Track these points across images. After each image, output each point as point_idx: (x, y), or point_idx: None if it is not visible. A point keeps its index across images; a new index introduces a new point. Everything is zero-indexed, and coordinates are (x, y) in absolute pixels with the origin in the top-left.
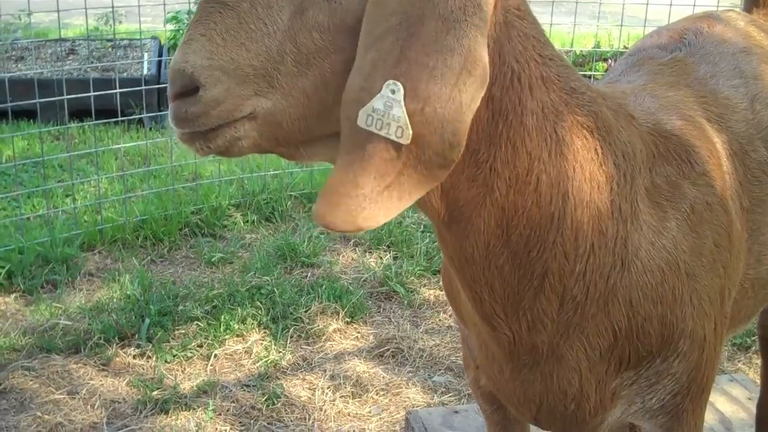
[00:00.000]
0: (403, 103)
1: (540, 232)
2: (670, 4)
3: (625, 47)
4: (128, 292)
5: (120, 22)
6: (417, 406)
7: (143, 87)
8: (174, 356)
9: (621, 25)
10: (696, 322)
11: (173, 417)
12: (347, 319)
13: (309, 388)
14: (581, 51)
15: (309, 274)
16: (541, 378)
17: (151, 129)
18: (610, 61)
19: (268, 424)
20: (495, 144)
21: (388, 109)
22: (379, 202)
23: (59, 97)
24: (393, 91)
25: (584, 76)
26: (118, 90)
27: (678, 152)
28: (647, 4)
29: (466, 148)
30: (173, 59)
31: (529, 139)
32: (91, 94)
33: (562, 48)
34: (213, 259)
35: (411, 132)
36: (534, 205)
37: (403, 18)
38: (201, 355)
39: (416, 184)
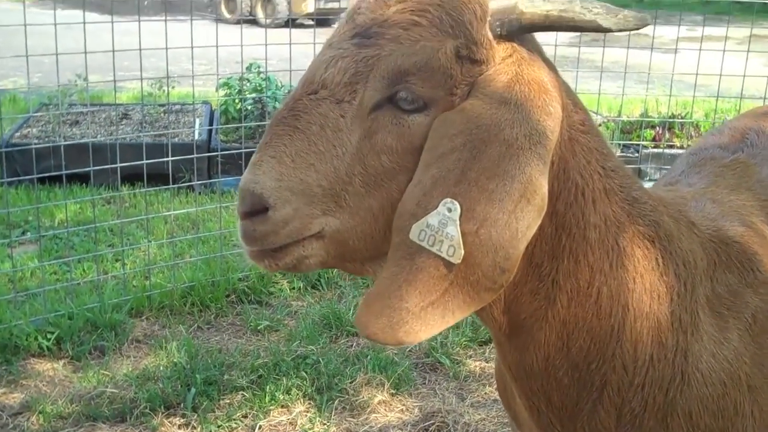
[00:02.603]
0: (458, 222)
1: (600, 344)
2: (720, 75)
3: (673, 115)
4: (175, 360)
5: (173, 87)
6: None
7: (195, 155)
8: (219, 426)
9: (670, 96)
10: None
11: None
12: (392, 391)
13: None
14: (628, 118)
15: (354, 343)
16: None
17: (200, 194)
18: (657, 128)
19: None
20: (558, 257)
21: (443, 227)
22: (422, 318)
23: (112, 165)
24: (449, 210)
25: (632, 144)
26: (170, 158)
27: (740, 260)
28: (696, 74)
29: (530, 261)
30: (243, 179)
31: (591, 252)
32: (144, 162)
33: (610, 114)
34: (259, 327)
35: (463, 252)
36: (594, 317)
37: (468, 139)
38: (246, 425)
39: (461, 303)
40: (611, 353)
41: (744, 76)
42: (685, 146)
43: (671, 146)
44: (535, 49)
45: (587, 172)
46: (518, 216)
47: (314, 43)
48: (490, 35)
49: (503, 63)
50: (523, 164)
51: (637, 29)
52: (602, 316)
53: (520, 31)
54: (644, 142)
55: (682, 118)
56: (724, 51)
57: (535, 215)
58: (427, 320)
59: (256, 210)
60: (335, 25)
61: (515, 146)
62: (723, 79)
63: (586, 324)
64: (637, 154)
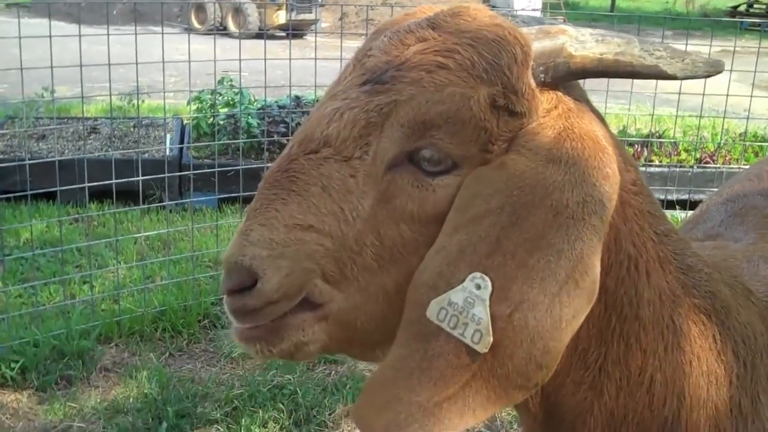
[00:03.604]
0: (488, 302)
1: None
2: (703, 94)
3: (651, 133)
4: (145, 391)
5: (143, 101)
6: None
7: (166, 174)
8: None
9: (653, 115)
10: None
11: None
12: None
13: None
14: None
15: (332, 371)
16: None
17: (171, 212)
18: (636, 146)
19: None
20: (606, 341)
21: (469, 307)
22: (436, 415)
23: (80, 185)
24: (478, 286)
25: None
26: (140, 177)
27: None
28: (679, 93)
29: (575, 347)
30: (228, 251)
31: (644, 334)
32: (113, 181)
33: None
34: (233, 354)
35: (491, 339)
36: (646, 408)
37: (507, 202)
38: None
39: (484, 401)
40: None
41: (727, 95)
42: (663, 164)
43: (650, 164)
44: (582, 98)
45: (640, 240)
46: (563, 301)
47: (289, 59)
48: (532, 83)
49: (548, 116)
50: (573, 237)
51: (708, 77)
52: (655, 407)
53: (567, 78)
54: None
55: (660, 136)
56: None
57: (584, 301)
58: (441, 418)
59: (244, 286)
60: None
61: (565, 215)
62: (698, 96)
63: (636, 416)
64: None
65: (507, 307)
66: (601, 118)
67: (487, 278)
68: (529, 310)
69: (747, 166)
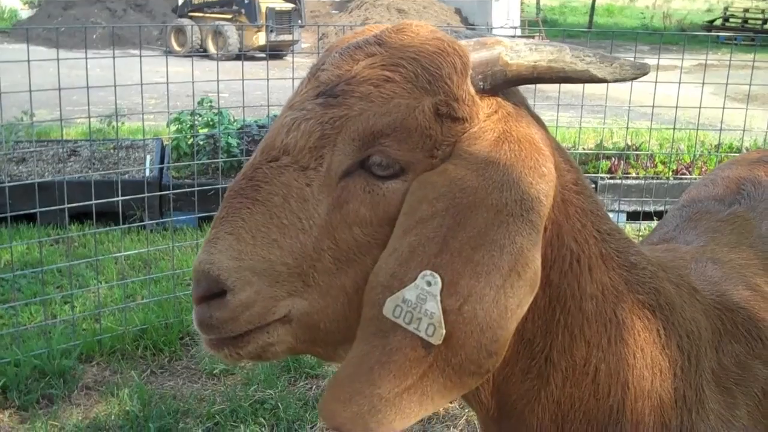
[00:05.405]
0: (439, 297)
1: (598, 426)
2: (676, 107)
3: (628, 146)
4: (127, 408)
5: (122, 123)
6: None
7: (146, 194)
8: None
9: (627, 128)
10: None
11: None
12: None
13: None
14: (584, 150)
15: (314, 386)
16: None
17: (152, 232)
18: (613, 159)
19: None
20: (551, 332)
21: (421, 303)
22: (397, 405)
23: (60, 206)
24: (429, 283)
25: (588, 175)
26: (119, 198)
27: (747, 328)
28: (653, 106)
29: (521, 337)
30: (197, 258)
31: (587, 326)
32: (93, 202)
33: (564, 145)
34: (215, 371)
35: (444, 331)
36: (591, 397)
37: (451, 204)
38: None
39: (441, 389)
40: None
41: (700, 107)
42: (640, 176)
43: (627, 177)
44: (521, 103)
45: (582, 236)
46: (508, 292)
47: (267, 79)
48: (472, 90)
49: (488, 120)
50: (513, 233)
51: (636, 78)
52: (600, 396)
53: (505, 85)
54: (601, 174)
55: (637, 148)
56: (680, 83)
57: (527, 291)
58: (402, 408)
59: (212, 293)
60: (302, 77)
61: (504, 212)
62: (672, 108)
63: (582, 405)
64: (593, 186)
65: (456, 300)
66: (540, 122)
67: (436, 275)
68: (477, 302)
69: None
